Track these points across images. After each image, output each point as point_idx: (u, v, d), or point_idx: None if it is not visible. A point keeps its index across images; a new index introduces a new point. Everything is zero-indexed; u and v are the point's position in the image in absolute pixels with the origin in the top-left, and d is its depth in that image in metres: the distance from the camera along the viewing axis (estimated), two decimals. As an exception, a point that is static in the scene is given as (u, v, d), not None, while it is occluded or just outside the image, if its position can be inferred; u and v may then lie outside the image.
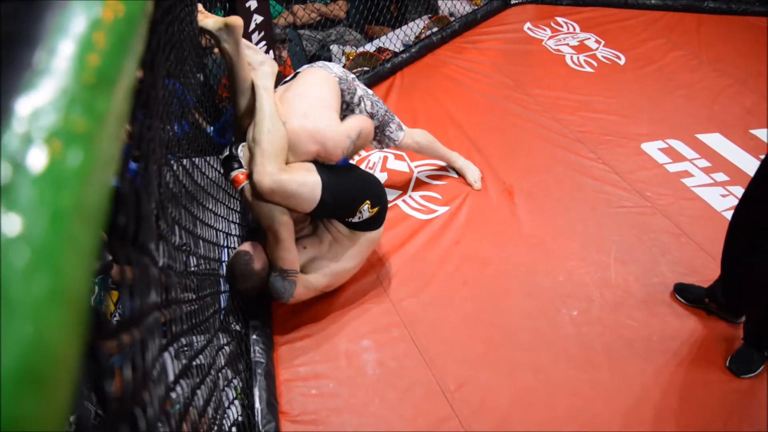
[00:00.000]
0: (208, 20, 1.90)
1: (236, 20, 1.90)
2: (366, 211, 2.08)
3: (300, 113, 2.01)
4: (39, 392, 0.23)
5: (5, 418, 0.21)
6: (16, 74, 0.30)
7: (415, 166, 2.92)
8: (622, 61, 3.72)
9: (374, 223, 2.16)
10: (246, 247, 2.07)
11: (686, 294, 2.25)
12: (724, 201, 2.68)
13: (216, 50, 1.97)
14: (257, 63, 2.01)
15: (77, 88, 0.32)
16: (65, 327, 0.25)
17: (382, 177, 2.86)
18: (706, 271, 2.34)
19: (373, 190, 2.13)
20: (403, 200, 2.74)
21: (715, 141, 3.04)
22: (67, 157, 0.28)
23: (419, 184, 2.82)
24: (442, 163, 2.92)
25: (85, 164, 0.29)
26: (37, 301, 0.24)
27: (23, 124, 0.28)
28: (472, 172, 2.81)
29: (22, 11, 0.35)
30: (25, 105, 0.29)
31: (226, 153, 2.01)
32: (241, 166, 1.97)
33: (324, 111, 2.07)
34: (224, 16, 2.40)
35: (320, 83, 2.15)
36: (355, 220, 2.09)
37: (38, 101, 0.29)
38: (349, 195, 2.05)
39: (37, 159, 0.27)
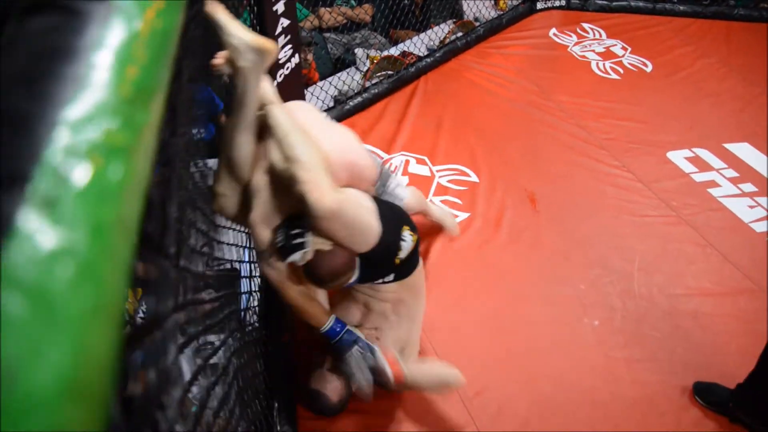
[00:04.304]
0: (240, 32, 1.38)
1: (273, 46, 1.43)
2: (409, 238, 1.68)
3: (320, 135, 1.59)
4: (81, 401, 0.24)
5: (50, 425, 0.22)
6: (60, 88, 0.31)
7: (437, 171, 2.92)
8: (649, 68, 3.67)
9: (415, 255, 1.77)
10: (315, 384, 1.91)
11: (708, 396, 1.96)
12: (752, 212, 2.63)
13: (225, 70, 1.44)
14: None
15: (117, 102, 0.33)
16: (106, 338, 0.26)
17: (404, 181, 2.85)
18: (732, 283, 2.30)
19: (402, 213, 1.78)
20: (425, 205, 2.73)
21: (743, 151, 2.98)
22: (109, 171, 0.29)
23: (440, 189, 2.82)
24: (465, 168, 2.91)
25: (125, 178, 0.30)
26: (81, 314, 0.25)
27: (66, 139, 0.29)
28: (450, 221, 2.50)
29: (64, 25, 0.36)
30: (68, 119, 0.30)
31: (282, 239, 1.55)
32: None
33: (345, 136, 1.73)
34: (252, 19, 2.42)
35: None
36: (402, 255, 1.67)
37: (81, 115, 0.30)
38: (390, 220, 1.66)
39: (81, 173, 0.28)
